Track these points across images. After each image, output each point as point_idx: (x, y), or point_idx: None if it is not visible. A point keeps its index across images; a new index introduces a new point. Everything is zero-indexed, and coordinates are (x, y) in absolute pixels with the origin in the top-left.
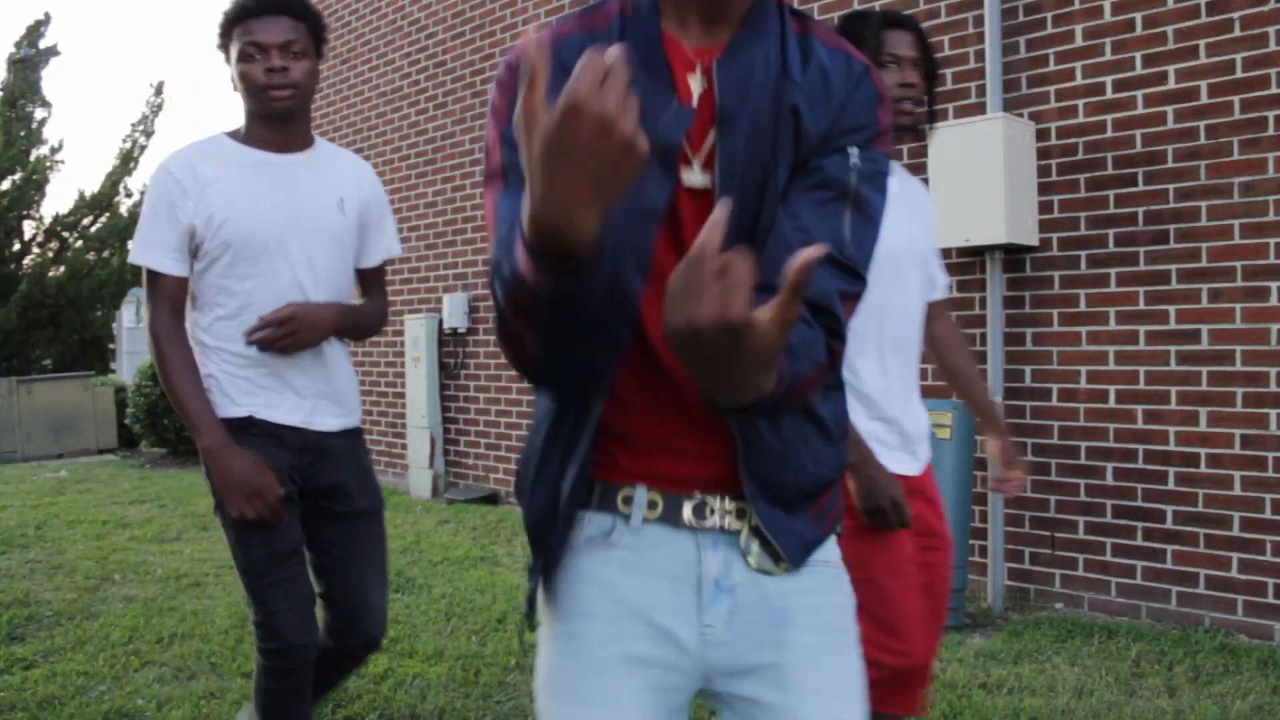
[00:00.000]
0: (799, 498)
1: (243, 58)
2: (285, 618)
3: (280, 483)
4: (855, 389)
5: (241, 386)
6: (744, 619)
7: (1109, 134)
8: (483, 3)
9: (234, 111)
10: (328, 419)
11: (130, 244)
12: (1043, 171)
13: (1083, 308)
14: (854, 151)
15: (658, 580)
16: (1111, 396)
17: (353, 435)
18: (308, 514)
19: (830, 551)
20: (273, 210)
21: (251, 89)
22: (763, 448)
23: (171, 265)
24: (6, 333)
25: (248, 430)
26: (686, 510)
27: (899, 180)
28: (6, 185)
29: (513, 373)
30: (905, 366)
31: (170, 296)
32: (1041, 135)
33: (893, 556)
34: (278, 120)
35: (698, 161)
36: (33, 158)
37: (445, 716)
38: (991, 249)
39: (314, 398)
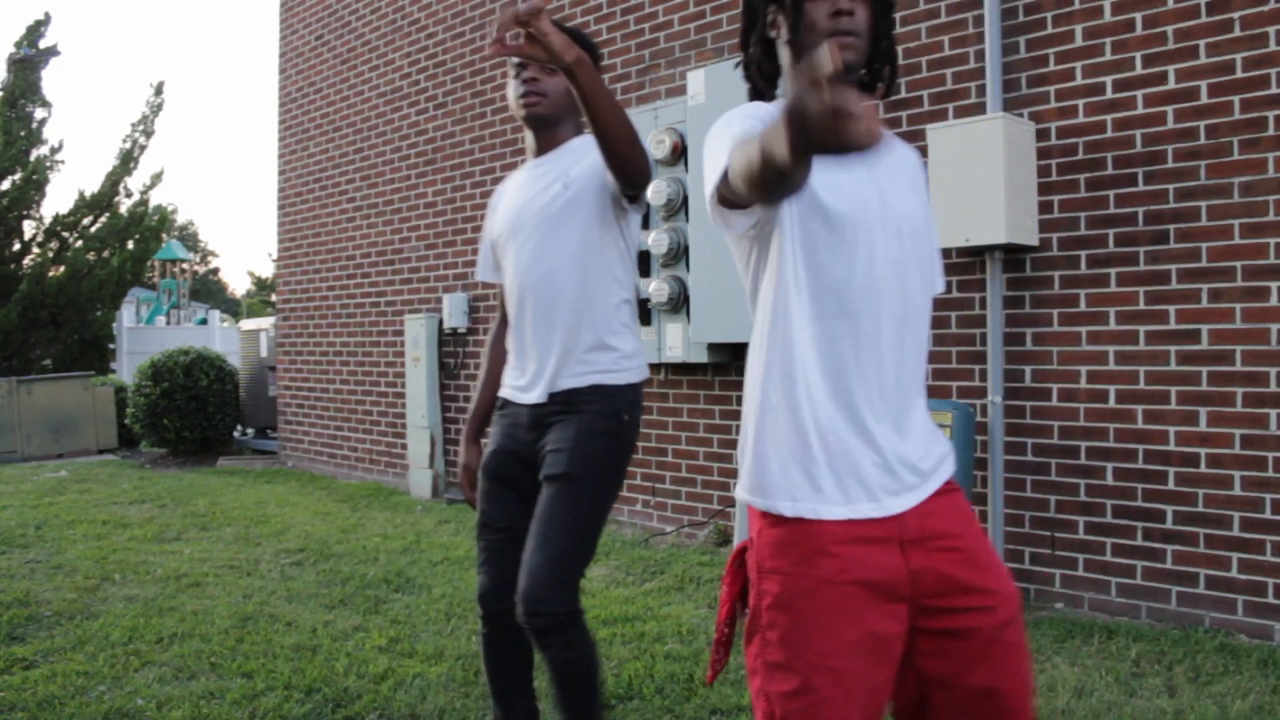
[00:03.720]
0: None
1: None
2: (480, 578)
3: (501, 465)
4: None
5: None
6: None
7: (1109, 134)
8: (483, 2)
9: (232, 112)
10: (533, 392)
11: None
12: (1043, 171)
13: (1083, 308)
14: None
15: None
16: (1111, 396)
17: (575, 400)
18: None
19: None
20: (504, 214)
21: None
22: None
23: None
24: (6, 333)
25: (500, 411)
26: None
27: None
28: (6, 185)
29: None
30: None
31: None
32: (1041, 135)
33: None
34: (533, 128)
35: None
36: (33, 158)
37: (445, 716)
38: (991, 249)
39: (534, 365)
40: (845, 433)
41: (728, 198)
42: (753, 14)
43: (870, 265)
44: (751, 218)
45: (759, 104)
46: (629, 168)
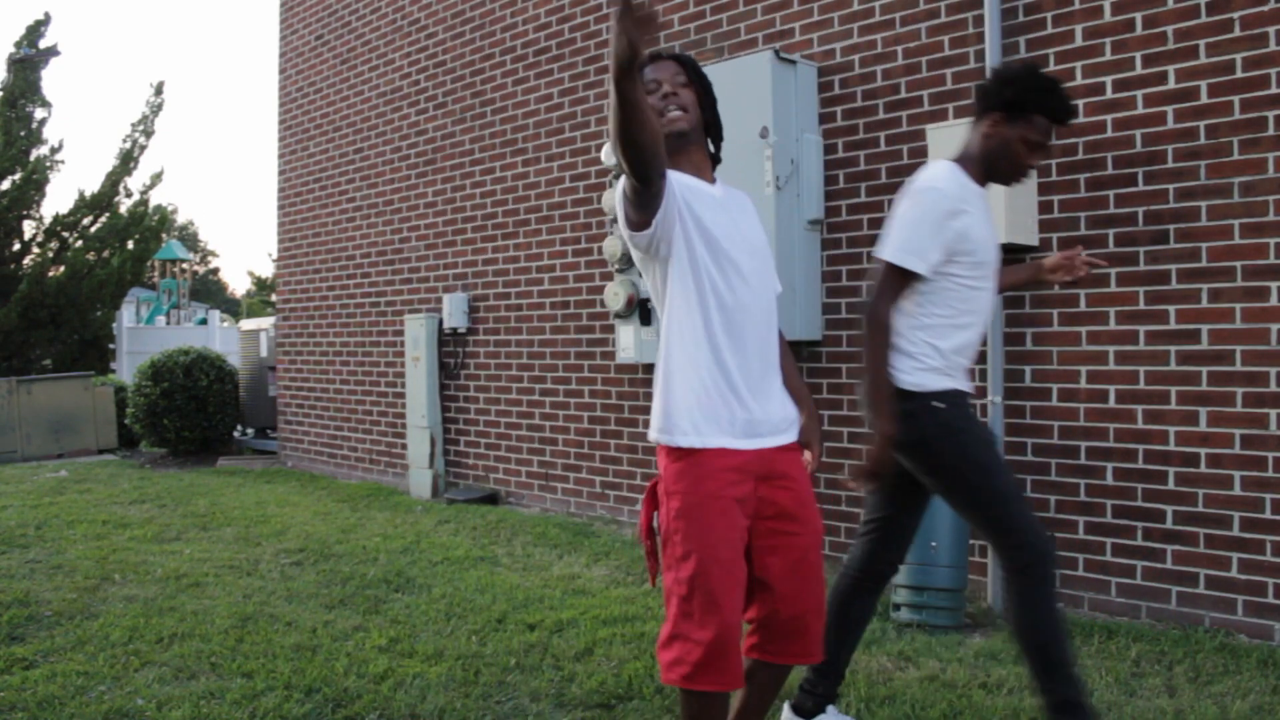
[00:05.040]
0: None
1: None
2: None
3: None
4: None
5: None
6: None
7: (1109, 134)
8: (483, 3)
9: (232, 112)
10: None
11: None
12: (1043, 171)
13: (1083, 308)
14: None
15: None
16: (1111, 396)
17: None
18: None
19: None
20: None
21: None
22: None
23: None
24: (6, 333)
25: (965, 400)
26: None
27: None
28: (6, 185)
29: (513, 372)
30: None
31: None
32: None
33: None
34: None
35: None
36: (33, 158)
37: (445, 716)
38: None
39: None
40: (725, 393)
41: (634, 220)
42: None
43: (739, 274)
44: (650, 226)
45: None
46: None
